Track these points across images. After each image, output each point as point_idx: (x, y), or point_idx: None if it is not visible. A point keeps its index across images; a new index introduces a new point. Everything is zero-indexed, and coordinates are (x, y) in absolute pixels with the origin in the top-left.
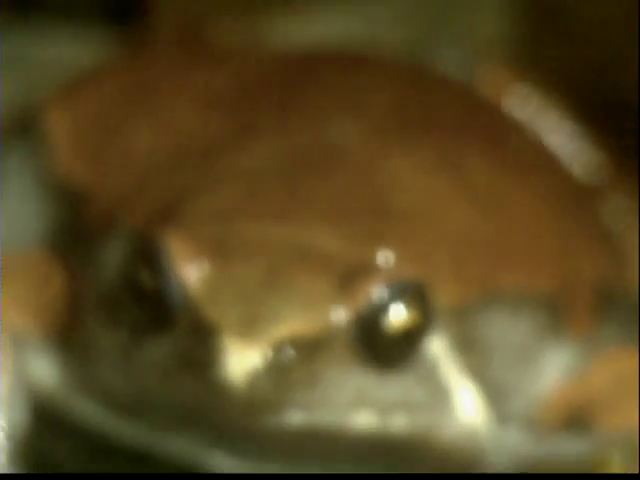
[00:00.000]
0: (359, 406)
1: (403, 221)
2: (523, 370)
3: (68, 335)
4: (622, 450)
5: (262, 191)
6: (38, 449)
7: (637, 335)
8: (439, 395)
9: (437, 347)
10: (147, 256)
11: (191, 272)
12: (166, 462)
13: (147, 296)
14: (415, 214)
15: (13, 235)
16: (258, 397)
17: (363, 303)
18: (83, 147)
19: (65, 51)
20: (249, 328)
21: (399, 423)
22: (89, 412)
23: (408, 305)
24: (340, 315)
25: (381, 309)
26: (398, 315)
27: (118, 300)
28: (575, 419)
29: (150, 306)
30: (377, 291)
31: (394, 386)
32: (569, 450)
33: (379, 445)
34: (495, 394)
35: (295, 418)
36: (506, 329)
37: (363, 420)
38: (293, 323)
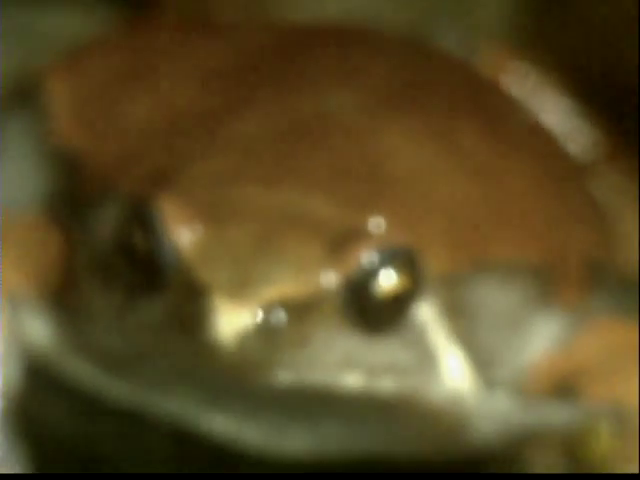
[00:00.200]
0: (347, 368)
1: (396, 189)
2: (511, 338)
3: (63, 296)
4: (609, 419)
5: (256, 157)
6: (32, 408)
7: (627, 307)
8: (426, 360)
9: (426, 313)
10: (141, 219)
11: (184, 235)
12: (159, 421)
13: (140, 258)
14: (408, 182)
15: (11, 199)
16: (248, 357)
17: (353, 267)
18: (82, 114)
19: (68, 24)
20: (240, 289)
21: (386, 385)
22: (83, 372)
23: (398, 270)
24: (330, 278)
25: (371, 274)
26: (388, 280)
27: (112, 262)
28: (563, 388)
29: (143, 268)
30: (367, 256)
31: (382, 350)
32: (556, 418)
33: (366, 406)
34: (483, 361)
35: (284, 378)
36: (495, 298)
37: (351, 381)
38: (283, 285)
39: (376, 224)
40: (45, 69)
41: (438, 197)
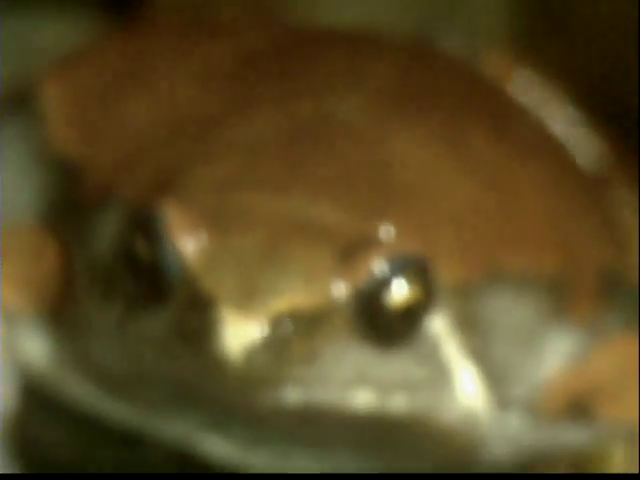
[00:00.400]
0: (358, 384)
1: (406, 196)
2: (525, 353)
3: (61, 311)
4: (624, 441)
5: (262, 163)
6: (29, 429)
7: None
8: (439, 375)
9: (438, 326)
10: (144, 227)
11: (189, 243)
12: (160, 444)
13: (143, 268)
14: (418, 190)
15: (7, 208)
16: (255, 372)
17: (364, 277)
18: (79, 119)
19: (61, 33)
20: (247, 300)
21: (398, 403)
22: (82, 391)
23: (410, 281)
24: (340, 289)
25: (382, 284)
26: (399, 290)
27: (113, 273)
28: (577, 407)
29: (146, 278)
30: (378, 265)
31: (394, 364)
32: (570, 439)
33: (377, 426)
34: (496, 377)
35: (292, 395)
36: (509, 310)
37: (362, 398)
38: (292, 296)
39: (386, 232)
40: (40, 75)
41: (449, 205)
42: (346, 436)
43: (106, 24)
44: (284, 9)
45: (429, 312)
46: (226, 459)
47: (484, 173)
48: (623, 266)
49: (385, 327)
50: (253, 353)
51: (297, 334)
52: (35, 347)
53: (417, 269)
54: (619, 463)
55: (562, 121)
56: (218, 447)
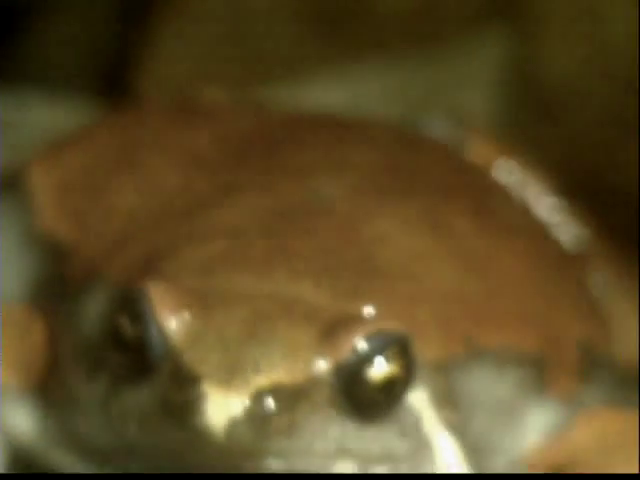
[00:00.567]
0: (339, 456)
1: (387, 277)
2: (505, 428)
3: (48, 387)
4: None
5: (245, 246)
6: None
7: (621, 398)
8: (420, 449)
9: (419, 401)
10: (129, 306)
11: (172, 322)
12: None
13: (128, 345)
14: (400, 269)
15: None
16: (238, 445)
17: (345, 354)
18: (66, 204)
19: (52, 119)
20: (230, 377)
21: (380, 473)
22: (69, 466)
23: (391, 357)
24: (321, 366)
25: (364, 360)
26: (380, 367)
27: (99, 350)
28: None
29: (131, 355)
30: (359, 343)
31: (375, 438)
32: None
33: None
34: (477, 451)
35: (275, 467)
36: (489, 386)
37: (343, 470)
38: (274, 373)
39: (368, 311)
40: (28, 161)
41: (430, 283)
42: None
43: (99, 109)
44: (268, 94)
45: (410, 387)
46: None
47: (466, 254)
48: (602, 340)
49: (366, 402)
50: (235, 427)
51: (279, 408)
52: (22, 421)
53: (398, 346)
54: None
55: (545, 206)
56: None
